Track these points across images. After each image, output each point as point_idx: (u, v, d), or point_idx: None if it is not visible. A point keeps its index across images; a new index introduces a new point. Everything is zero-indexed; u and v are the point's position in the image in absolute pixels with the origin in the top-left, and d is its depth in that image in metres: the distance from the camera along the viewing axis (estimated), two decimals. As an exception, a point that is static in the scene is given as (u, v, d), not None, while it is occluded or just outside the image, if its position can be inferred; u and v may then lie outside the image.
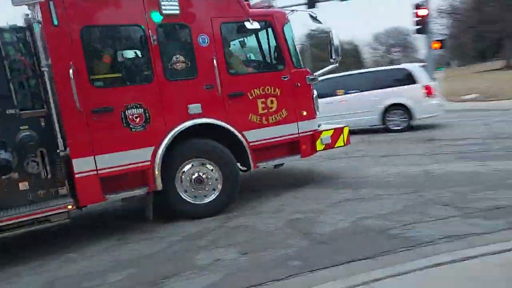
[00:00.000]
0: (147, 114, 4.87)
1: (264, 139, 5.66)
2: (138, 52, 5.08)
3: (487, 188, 5.04)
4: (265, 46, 5.91)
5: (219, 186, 5.29)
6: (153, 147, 4.93)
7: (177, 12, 5.02)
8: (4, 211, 4.29)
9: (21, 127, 4.38)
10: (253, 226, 4.72)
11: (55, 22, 4.34)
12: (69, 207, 4.43)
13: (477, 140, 8.34)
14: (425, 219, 4.24)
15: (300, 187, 6.27)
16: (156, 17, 4.89)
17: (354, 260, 3.47)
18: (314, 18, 6.25)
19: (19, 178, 4.42)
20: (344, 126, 6.46)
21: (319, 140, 6.10)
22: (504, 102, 15.14)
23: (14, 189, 4.42)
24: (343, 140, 6.34)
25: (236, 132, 5.39)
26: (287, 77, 5.80)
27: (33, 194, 4.51)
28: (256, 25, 5.49)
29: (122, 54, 5.17)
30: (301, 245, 3.97)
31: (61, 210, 4.40)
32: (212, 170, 5.27)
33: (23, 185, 4.46)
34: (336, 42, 5.91)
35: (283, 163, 6.13)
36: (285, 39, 5.79)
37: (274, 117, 5.72)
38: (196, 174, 5.20)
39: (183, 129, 5.05)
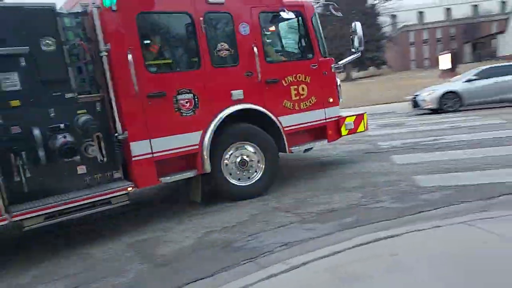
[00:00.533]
0: (196, 99, 5.03)
1: (296, 124, 5.95)
2: (188, 39, 5.21)
3: (324, 192, 5.35)
4: (296, 35, 6.19)
5: (262, 167, 5.54)
6: (201, 131, 5.10)
7: (222, 1, 5.20)
8: (64, 194, 4.33)
9: (78, 111, 4.42)
10: (87, 254, 4.26)
11: (114, 8, 4.41)
12: (129, 188, 4.54)
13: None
14: (269, 227, 4.25)
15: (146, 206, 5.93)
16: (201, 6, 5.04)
17: (195, 280, 3.28)
18: (336, 10, 6.61)
19: (78, 162, 4.46)
20: (364, 113, 6.87)
21: (343, 126, 6.47)
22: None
23: (73, 172, 4.46)
24: (364, 125, 6.75)
25: (273, 117, 5.65)
26: (316, 65, 6.11)
27: (90, 178, 4.56)
28: (290, 15, 5.75)
29: (173, 41, 5.28)
30: (140, 269, 3.68)
31: (122, 192, 4.51)
32: (254, 153, 5.51)
33: (81, 169, 4.51)
34: (360, 33, 6.28)
35: (312, 147, 6.45)
36: (314, 29, 6.10)
37: (305, 103, 6.02)
38: (240, 157, 5.42)
39: (228, 113, 5.25)
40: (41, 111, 4.20)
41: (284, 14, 5.67)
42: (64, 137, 4.18)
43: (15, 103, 4.07)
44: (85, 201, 4.30)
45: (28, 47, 4.05)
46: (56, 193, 4.30)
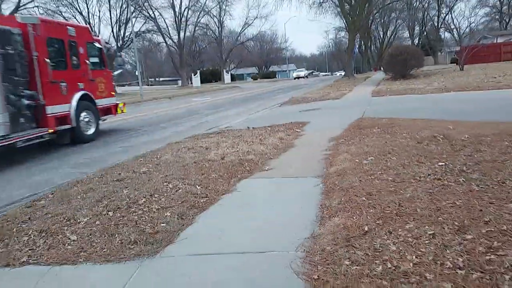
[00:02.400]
0: (67, 86, 9.52)
1: (101, 105, 11.18)
2: (62, 53, 9.59)
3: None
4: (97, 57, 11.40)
5: (94, 125, 10.54)
6: (70, 103, 9.60)
7: (74, 34, 9.92)
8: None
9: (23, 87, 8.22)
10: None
11: (38, 33, 8.49)
12: (50, 131, 8.66)
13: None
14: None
15: None
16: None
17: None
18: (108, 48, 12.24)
19: (21, 115, 8.20)
20: (120, 103, 12.72)
21: (118, 108, 12.13)
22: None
23: (17, 121, 8.15)
24: (120, 110, 12.62)
25: (94, 99, 10.71)
26: (106, 73, 11.59)
27: (27, 124, 8.34)
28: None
29: (58, 54, 9.41)
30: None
31: (44, 132, 8.58)
32: (91, 117, 10.41)
33: (21, 119, 8.25)
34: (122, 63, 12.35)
35: (106, 119, 11.78)
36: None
37: (105, 93, 11.35)
38: (87, 119, 10.18)
39: (79, 95, 9.97)
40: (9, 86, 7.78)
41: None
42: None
43: None
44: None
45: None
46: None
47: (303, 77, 65.55)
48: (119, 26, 39.99)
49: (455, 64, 41.59)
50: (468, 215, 3.06)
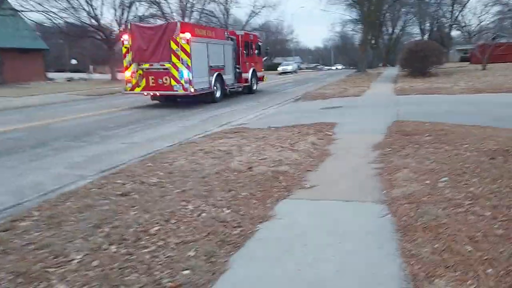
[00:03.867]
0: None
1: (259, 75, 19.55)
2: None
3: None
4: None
5: (256, 85, 19.04)
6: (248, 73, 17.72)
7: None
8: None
9: None
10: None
11: None
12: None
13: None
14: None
15: None
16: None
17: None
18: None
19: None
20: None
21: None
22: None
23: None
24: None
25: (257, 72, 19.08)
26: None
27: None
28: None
29: None
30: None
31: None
32: (255, 80, 18.85)
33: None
34: None
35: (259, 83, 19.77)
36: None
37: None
38: (253, 81, 18.48)
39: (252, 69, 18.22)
40: None
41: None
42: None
43: None
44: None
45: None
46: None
47: (291, 73, 50.76)
48: (122, 10, 38.66)
49: (468, 62, 40.10)
50: None
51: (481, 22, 58.19)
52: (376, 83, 21.39)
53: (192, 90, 12.88)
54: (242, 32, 17.89)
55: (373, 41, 54.08)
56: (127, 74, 13.47)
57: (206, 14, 55.92)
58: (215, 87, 14.41)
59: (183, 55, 12.65)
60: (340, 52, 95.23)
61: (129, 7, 36.95)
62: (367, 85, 19.61)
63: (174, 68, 12.78)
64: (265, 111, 11.69)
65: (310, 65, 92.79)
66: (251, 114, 11.06)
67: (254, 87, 18.42)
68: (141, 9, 45.16)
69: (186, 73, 12.70)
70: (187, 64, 12.68)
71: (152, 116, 11.61)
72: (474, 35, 54.99)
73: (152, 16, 44.03)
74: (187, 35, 12.67)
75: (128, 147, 7.30)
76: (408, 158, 4.91)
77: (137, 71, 13.25)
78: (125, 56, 13.44)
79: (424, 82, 18.00)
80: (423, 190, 3.72)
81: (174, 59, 12.68)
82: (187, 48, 12.66)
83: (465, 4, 57.30)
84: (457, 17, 59.04)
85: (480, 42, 34.74)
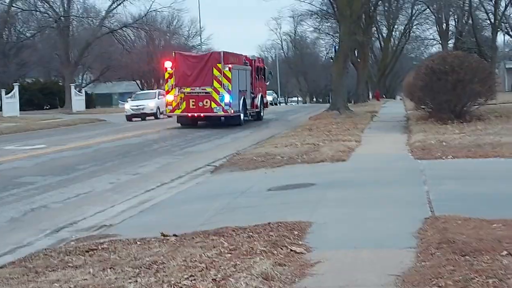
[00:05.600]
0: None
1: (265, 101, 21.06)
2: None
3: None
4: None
5: (263, 111, 19.89)
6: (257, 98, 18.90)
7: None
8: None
9: None
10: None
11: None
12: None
13: None
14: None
15: None
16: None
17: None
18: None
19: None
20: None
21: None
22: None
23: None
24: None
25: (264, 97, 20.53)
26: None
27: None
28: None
29: None
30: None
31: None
32: (262, 106, 19.98)
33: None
34: None
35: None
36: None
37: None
38: (262, 107, 19.47)
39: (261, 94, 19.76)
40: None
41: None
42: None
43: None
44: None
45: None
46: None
47: (152, 115, 21.83)
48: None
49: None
50: None
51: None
52: (370, 132, 12.59)
53: (232, 111, 14.70)
54: (255, 57, 21.45)
55: (356, 53, 30.70)
56: (169, 97, 14.82)
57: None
58: (242, 111, 16.08)
59: (224, 81, 14.53)
60: (294, 72, 57.51)
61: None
62: (355, 137, 10.62)
63: (215, 92, 14.55)
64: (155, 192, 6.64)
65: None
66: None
67: (262, 113, 18.95)
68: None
69: (227, 97, 14.53)
70: (228, 89, 14.53)
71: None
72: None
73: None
74: (229, 64, 14.66)
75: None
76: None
77: (178, 95, 14.66)
78: (167, 81, 14.96)
79: (462, 131, 10.04)
80: None
81: (215, 84, 14.48)
82: (229, 74, 14.58)
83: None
84: (505, 10, 30.68)
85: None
